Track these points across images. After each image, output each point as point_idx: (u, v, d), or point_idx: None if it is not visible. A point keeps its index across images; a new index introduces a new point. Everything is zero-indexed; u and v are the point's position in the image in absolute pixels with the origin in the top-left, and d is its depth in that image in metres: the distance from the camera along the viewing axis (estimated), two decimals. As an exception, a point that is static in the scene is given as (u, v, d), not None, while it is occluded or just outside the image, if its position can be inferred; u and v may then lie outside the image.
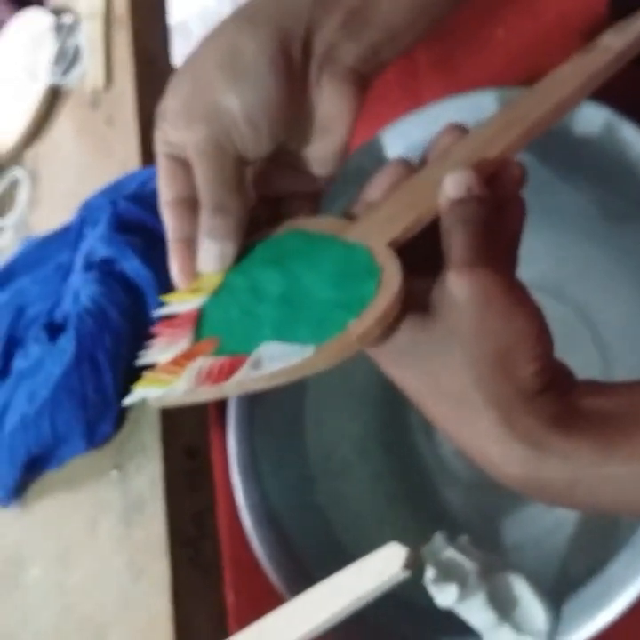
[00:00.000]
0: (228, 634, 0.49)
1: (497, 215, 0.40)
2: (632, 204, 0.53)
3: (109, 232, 0.51)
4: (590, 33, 0.71)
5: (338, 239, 0.41)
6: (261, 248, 0.42)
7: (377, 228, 0.40)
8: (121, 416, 0.52)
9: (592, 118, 0.56)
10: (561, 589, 0.55)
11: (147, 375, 0.40)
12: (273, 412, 0.70)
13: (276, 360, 0.37)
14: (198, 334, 0.41)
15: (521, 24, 0.77)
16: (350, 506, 0.69)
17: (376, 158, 0.57)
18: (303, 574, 0.64)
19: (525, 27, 0.74)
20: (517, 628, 0.47)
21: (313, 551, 0.65)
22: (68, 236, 0.56)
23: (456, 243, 0.38)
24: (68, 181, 0.63)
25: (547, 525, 0.62)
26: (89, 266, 0.52)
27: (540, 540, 0.62)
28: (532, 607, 0.48)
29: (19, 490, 0.55)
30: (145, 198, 0.52)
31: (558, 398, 0.37)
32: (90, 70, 0.63)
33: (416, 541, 0.41)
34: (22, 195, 0.66)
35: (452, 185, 0.39)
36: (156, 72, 0.62)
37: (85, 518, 0.53)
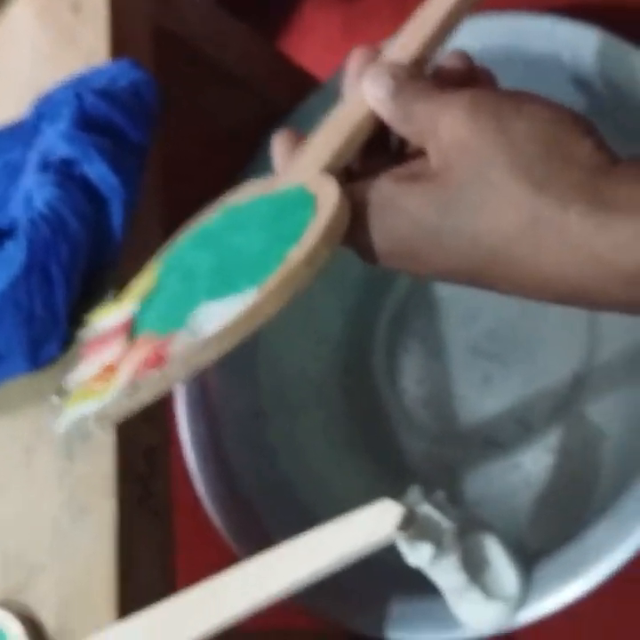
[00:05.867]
0: (176, 585, 0.45)
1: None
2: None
3: (72, 129, 0.45)
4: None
5: (267, 194, 0.37)
6: (191, 238, 0.38)
7: (305, 167, 0.36)
8: (70, 337, 0.47)
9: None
10: (525, 552, 0.52)
11: (75, 391, 0.36)
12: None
13: (217, 318, 0.33)
14: (132, 338, 0.36)
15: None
16: (304, 448, 0.65)
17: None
18: (250, 518, 0.60)
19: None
20: (487, 591, 0.43)
21: (262, 492, 0.61)
22: (21, 131, 0.50)
23: (420, 101, 0.34)
24: (22, 73, 0.57)
25: (512, 483, 0.59)
26: (45, 166, 0.46)
27: (503, 497, 0.59)
28: (504, 570, 0.44)
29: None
30: (116, 95, 0.46)
31: (635, 165, 0.31)
32: (54, -50, 0.57)
33: (385, 494, 0.37)
34: (-33, 84, 0.59)
35: (373, 79, 0.35)
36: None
37: (19, 447, 0.48)
